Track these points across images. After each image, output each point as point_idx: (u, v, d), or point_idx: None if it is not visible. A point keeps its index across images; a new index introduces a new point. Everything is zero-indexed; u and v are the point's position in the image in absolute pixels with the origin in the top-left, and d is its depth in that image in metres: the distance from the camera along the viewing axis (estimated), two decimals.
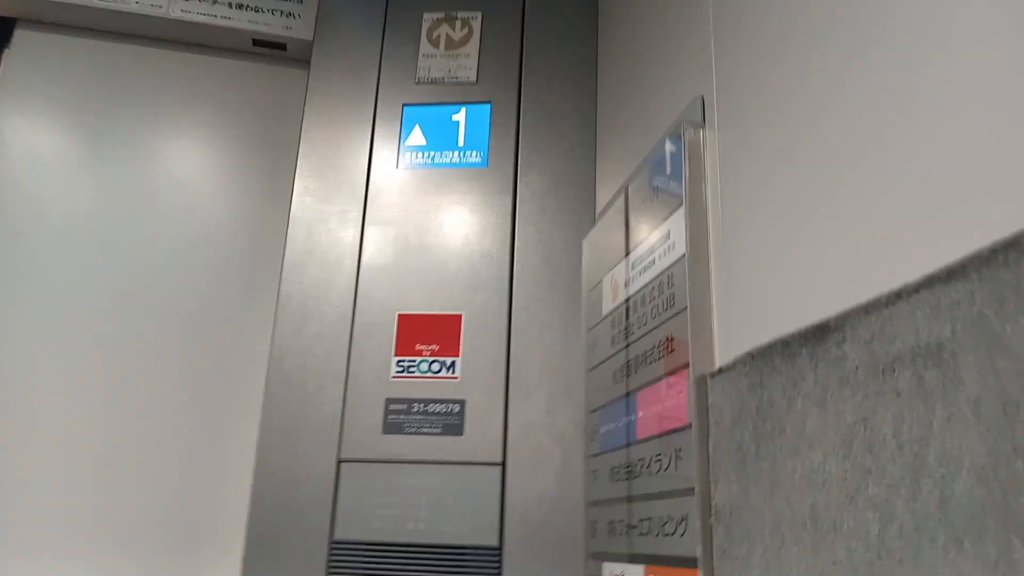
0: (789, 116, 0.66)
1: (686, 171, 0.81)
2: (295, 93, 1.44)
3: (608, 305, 1.02)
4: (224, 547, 1.23)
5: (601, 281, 1.06)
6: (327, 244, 1.23)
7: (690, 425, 0.74)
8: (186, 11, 1.39)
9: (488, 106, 1.28)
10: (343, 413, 1.14)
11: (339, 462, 1.12)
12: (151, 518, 1.24)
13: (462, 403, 1.13)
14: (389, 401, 1.14)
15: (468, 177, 1.25)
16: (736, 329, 0.73)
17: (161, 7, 1.39)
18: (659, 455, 0.80)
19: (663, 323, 0.82)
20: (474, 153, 1.26)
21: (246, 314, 1.34)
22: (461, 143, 1.27)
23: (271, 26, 1.41)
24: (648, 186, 0.91)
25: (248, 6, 1.42)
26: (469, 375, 1.14)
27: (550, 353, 1.14)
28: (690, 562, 0.71)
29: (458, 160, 1.26)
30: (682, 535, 0.74)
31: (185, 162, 1.41)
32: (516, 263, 1.19)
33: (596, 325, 1.06)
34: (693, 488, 0.72)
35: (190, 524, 1.24)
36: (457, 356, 1.15)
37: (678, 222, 0.82)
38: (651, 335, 0.85)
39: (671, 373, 0.79)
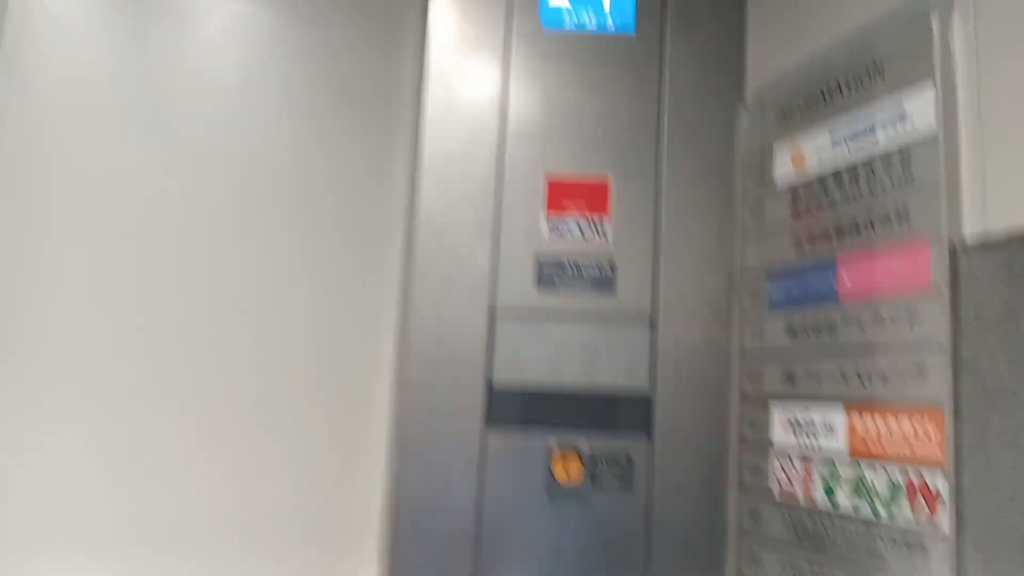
0: None
1: (937, 49, 0.85)
2: None
3: (785, 175, 1.07)
4: (372, 398, 1.26)
5: (771, 149, 1.10)
6: (468, 101, 1.20)
7: (931, 289, 0.82)
8: None
9: None
10: (496, 268, 1.16)
11: (493, 312, 1.15)
12: (300, 384, 1.24)
13: (613, 262, 1.17)
14: (540, 257, 1.17)
15: (614, 44, 1.23)
16: (990, 207, 0.80)
17: None
18: (881, 313, 0.89)
19: (893, 196, 0.89)
20: (620, 20, 1.24)
21: (371, 177, 1.31)
22: (607, 8, 1.24)
23: None
24: (866, 60, 0.95)
25: None
26: (619, 236, 1.18)
27: (699, 217, 1.19)
28: (924, 405, 0.82)
29: (604, 25, 1.23)
30: (913, 383, 0.84)
31: (288, 16, 1.31)
32: (663, 129, 1.21)
33: (762, 193, 1.11)
34: (930, 343, 0.82)
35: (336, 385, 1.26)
36: (607, 216, 1.18)
37: (918, 98, 0.87)
38: (872, 207, 0.92)
39: (902, 241, 0.87)
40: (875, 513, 0.87)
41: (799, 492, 0.98)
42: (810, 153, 1.03)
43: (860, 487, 0.89)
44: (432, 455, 1.12)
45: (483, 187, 1.18)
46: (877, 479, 0.87)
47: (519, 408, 1.13)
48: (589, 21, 1.23)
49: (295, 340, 1.27)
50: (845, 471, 0.92)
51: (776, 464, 1.02)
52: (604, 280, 1.17)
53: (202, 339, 1.23)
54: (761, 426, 1.06)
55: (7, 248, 1.19)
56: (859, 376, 0.91)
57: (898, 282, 0.87)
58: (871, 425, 0.89)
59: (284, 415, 1.24)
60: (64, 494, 1.16)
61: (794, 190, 1.05)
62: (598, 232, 1.18)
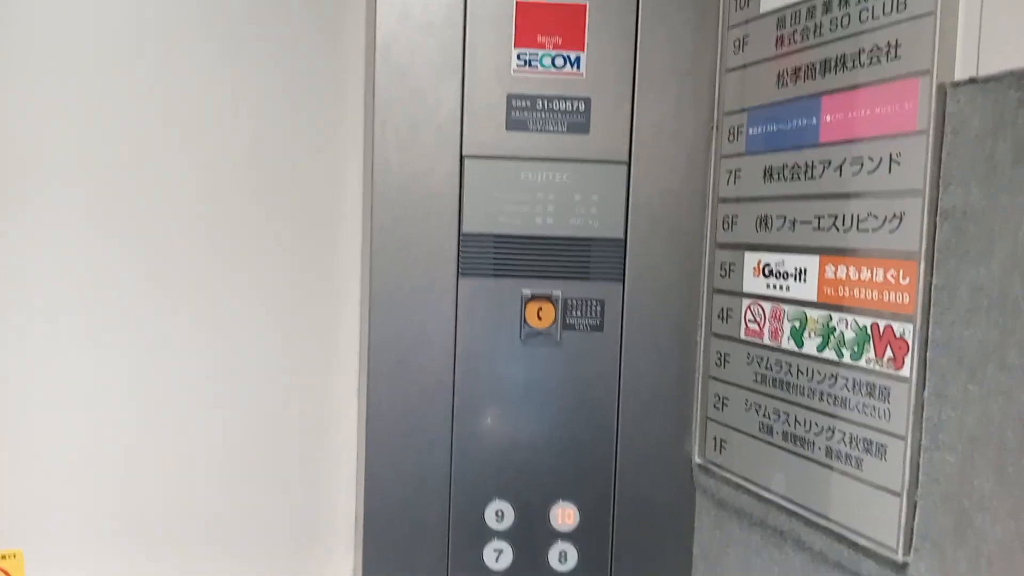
0: None
1: None
2: None
3: (773, 2, 0.98)
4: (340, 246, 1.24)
5: None
6: None
7: (917, 131, 0.78)
8: None
9: None
10: (462, 109, 1.09)
11: (463, 158, 1.10)
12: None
13: (587, 100, 1.10)
14: (511, 97, 1.10)
15: None
16: (984, 44, 0.74)
17: None
18: (861, 157, 0.84)
19: (883, 27, 0.82)
20: None
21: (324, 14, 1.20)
22: None
23: None
24: None
25: None
26: (594, 72, 1.10)
27: (679, 53, 1.10)
28: (898, 254, 0.80)
29: None
30: (889, 231, 0.81)
31: None
32: None
33: (745, 23, 1.03)
34: (910, 190, 0.78)
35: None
36: (582, 51, 1.10)
37: None
38: (859, 38, 0.84)
39: (889, 80, 0.81)
40: (840, 358, 0.87)
41: (767, 337, 0.99)
42: None
43: (828, 333, 0.89)
44: (406, 306, 1.11)
45: (448, 16, 1.08)
46: (846, 326, 0.87)
47: (491, 255, 1.11)
48: None
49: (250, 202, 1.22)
50: (814, 317, 0.91)
51: (746, 309, 1.02)
52: (578, 121, 1.11)
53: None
54: (734, 272, 1.05)
55: None
56: (835, 223, 0.88)
57: (882, 124, 0.82)
58: (843, 273, 0.87)
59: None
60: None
61: (780, 17, 0.97)
62: (573, 67, 1.10)
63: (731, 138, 1.06)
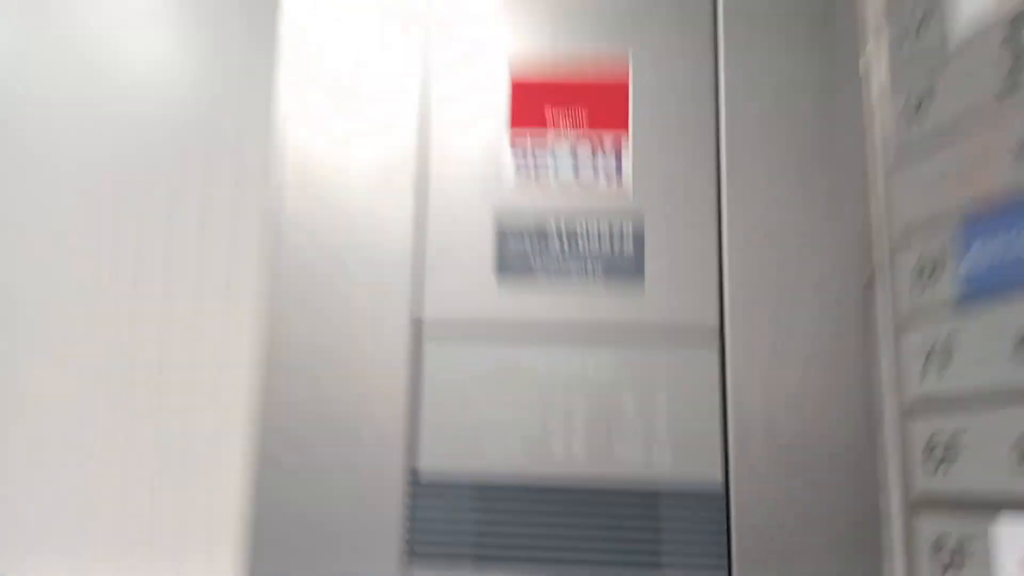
0: None
1: None
2: None
3: (981, 7, 0.50)
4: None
5: None
6: None
7: None
8: None
9: None
10: (423, 239, 0.63)
11: (417, 326, 0.62)
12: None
13: (639, 221, 0.62)
14: (501, 218, 0.63)
15: None
16: None
17: None
18: None
19: None
20: None
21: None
22: None
23: None
24: None
25: None
26: (647, 173, 0.63)
27: (792, 135, 0.63)
28: None
29: None
30: None
31: None
32: None
33: (929, 65, 0.55)
34: None
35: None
36: (624, 134, 0.64)
37: None
38: None
39: None
40: None
41: None
42: None
43: None
44: None
45: (398, 83, 0.65)
46: None
47: (467, 512, 0.60)
48: None
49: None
50: None
51: None
52: (623, 260, 0.62)
53: None
54: (964, 557, 0.48)
55: None
56: None
57: None
58: None
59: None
60: None
61: (1009, 34, 0.48)
62: (608, 168, 0.64)
63: (921, 279, 0.54)
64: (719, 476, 0.58)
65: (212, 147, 0.81)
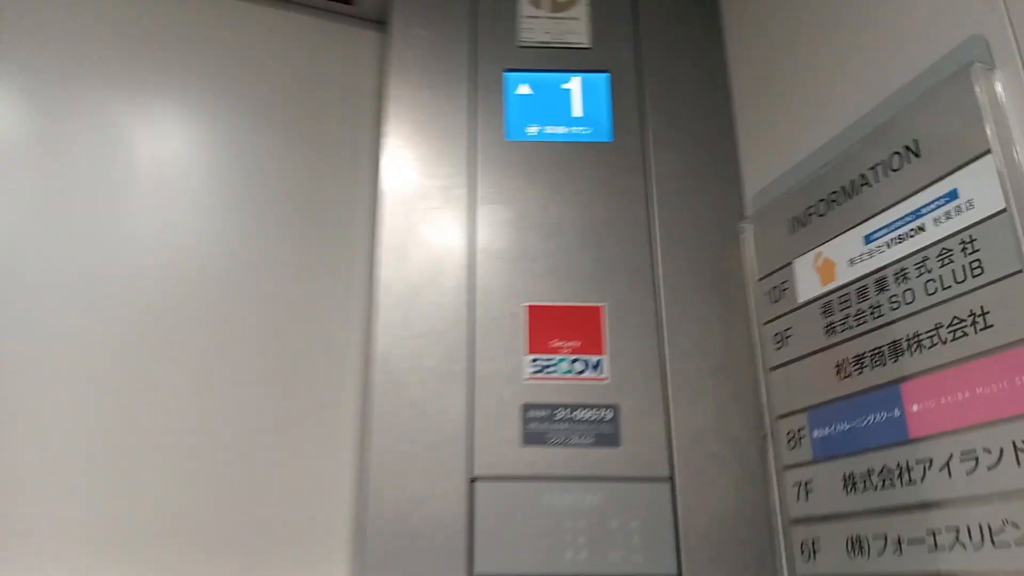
0: None
1: (989, 118, 0.69)
2: (363, 56, 1.25)
3: (811, 290, 0.88)
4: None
5: (790, 265, 0.92)
6: (431, 224, 1.04)
7: None
8: None
9: (606, 75, 1.13)
10: (472, 422, 0.94)
11: (472, 480, 0.92)
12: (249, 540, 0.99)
13: (615, 408, 0.96)
14: (527, 407, 0.95)
15: (590, 152, 1.09)
16: None
17: None
18: (973, 452, 0.67)
19: (960, 296, 0.70)
20: (594, 127, 1.11)
21: (322, 311, 1.12)
22: (577, 114, 1.11)
23: None
24: (892, 148, 0.79)
25: None
26: (619, 376, 0.97)
27: (711, 350, 0.99)
28: None
29: (576, 133, 1.10)
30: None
31: (234, 132, 1.17)
32: (658, 249, 1.04)
33: (781, 316, 0.92)
34: None
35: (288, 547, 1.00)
36: (602, 354, 0.98)
37: (974, 177, 0.70)
38: (934, 312, 0.72)
39: (989, 352, 0.66)
40: None
41: None
42: (840, 260, 0.85)
43: None
44: None
45: (452, 324, 0.98)
46: None
47: None
48: (558, 128, 1.10)
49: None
50: None
51: None
52: (606, 432, 0.95)
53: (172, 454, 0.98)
54: None
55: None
56: (957, 538, 0.67)
57: (993, 405, 0.66)
58: None
59: None
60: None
61: (826, 306, 0.86)
62: (594, 371, 0.98)
63: (791, 444, 0.89)
64: (674, 568, 0.88)
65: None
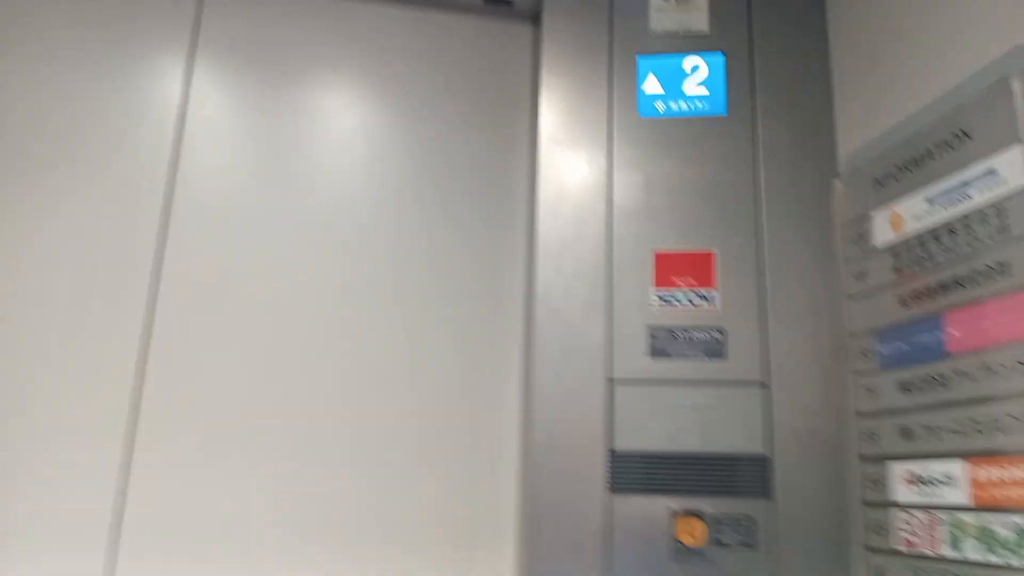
0: None
1: (1020, 113, 0.90)
2: (520, 46, 1.53)
3: (884, 237, 1.12)
4: (496, 464, 1.36)
5: (869, 216, 1.16)
6: (578, 188, 1.32)
7: None
8: None
9: (721, 55, 1.36)
10: (611, 340, 1.25)
11: (611, 381, 1.23)
12: (420, 441, 1.36)
13: (723, 330, 1.24)
14: (652, 328, 1.25)
15: (707, 125, 1.34)
16: None
17: None
18: (991, 367, 0.91)
19: (991, 249, 0.93)
20: (711, 103, 1.35)
21: (490, 263, 1.45)
22: (698, 92, 1.36)
23: None
24: (953, 126, 1.01)
25: None
26: (727, 306, 1.25)
27: (803, 284, 1.24)
28: None
29: (696, 108, 1.35)
30: None
31: (418, 120, 1.49)
32: (762, 204, 1.29)
33: (864, 256, 1.16)
34: None
35: (459, 444, 1.36)
36: (714, 289, 1.26)
37: (1008, 160, 0.92)
38: (972, 262, 0.96)
39: (1006, 296, 0.90)
40: (1005, 560, 0.87)
41: (926, 546, 0.99)
42: (908, 215, 1.08)
43: (987, 536, 0.90)
44: (559, 521, 1.19)
45: (594, 266, 1.28)
46: (1004, 527, 0.88)
47: (641, 474, 1.19)
48: (682, 104, 1.35)
49: (425, 405, 1.38)
50: (970, 522, 0.92)
51: (901, 521, 1.03)
52: (715, 348, 1.23)
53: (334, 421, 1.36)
54: (882, 485, 1.07)
55: (184, 324, 1.37)
56: (976, 427, 0.93)
57: (1006, 332, 0.90)
58: (993, 474, 0.90)
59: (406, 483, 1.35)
60: (229, 507, 1.30)
61: (894, 250, 1.10)
62: (706, 301, 1.25)
63: (862, 357, 1.15)
64: (762, 450, 1.17)
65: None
